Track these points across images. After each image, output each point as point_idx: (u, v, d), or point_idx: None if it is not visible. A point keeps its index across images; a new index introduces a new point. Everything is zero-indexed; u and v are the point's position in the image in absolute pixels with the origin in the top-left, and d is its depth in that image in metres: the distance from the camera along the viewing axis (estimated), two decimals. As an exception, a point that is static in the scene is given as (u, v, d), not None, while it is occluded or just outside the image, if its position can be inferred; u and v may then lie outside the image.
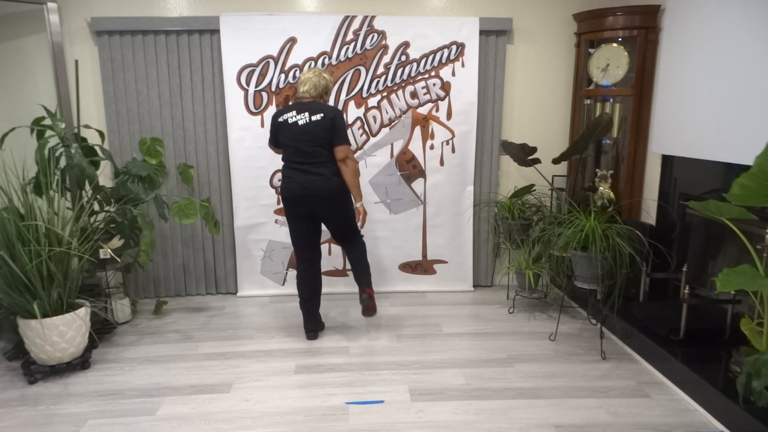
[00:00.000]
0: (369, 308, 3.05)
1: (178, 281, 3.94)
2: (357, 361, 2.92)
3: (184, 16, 3.59)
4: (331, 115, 2.94)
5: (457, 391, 2.60)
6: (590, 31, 3.59)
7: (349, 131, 3.71)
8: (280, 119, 3.00)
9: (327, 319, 3.49)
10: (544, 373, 2.77)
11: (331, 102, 3.69)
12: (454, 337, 3.23)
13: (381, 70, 3.71)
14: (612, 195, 3.60)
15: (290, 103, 3.31)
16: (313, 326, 3.21)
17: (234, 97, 3.67)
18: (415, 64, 3.72)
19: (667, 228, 3.29)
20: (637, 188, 3.52)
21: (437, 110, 3.79)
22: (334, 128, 2.94)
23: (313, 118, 2.93)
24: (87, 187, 3.21)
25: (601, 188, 3.63)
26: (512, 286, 4.14)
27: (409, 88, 3.75)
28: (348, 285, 3.97)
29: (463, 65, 3.73)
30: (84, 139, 3.26)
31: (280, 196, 3.84)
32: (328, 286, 3.89)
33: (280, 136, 3.00)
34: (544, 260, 3.61)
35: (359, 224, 3.16)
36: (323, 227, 3.18)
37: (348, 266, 3.98)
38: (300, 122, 2.95)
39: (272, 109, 3.70)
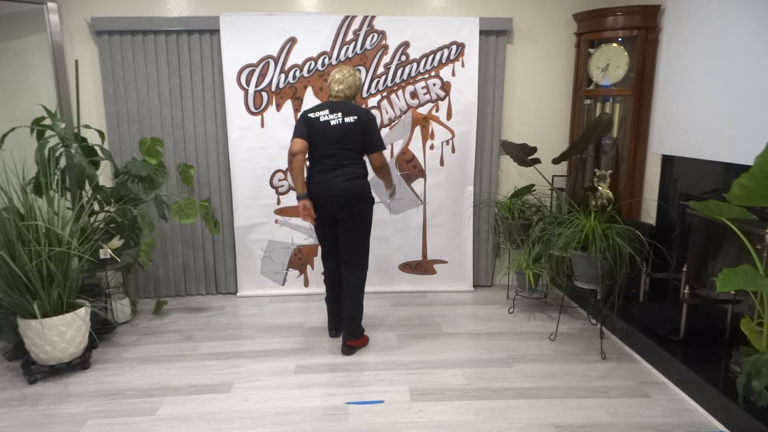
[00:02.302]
0: (347, 354, 3.01)
1: (178, 281, 3.94)
2: (357, 361, 2.92)
3: (184, 16, 3.59)
4: (364, 118, 2.85)
5: (457, 391, 2.60)
6: (590, 31, 3.59)
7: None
8: (311, 115, 2.86)
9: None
10: (544, 373, 2.77)
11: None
12: (454, 337, 3.23)
13: (381, 70, 3.71)
14: (611, 195, 3.60)
15: (320, 102, 3.11)
16: (336, 324, 3.19)
17: (234, 97, 3.67)
18: (415, 64, 3.72)
19: (667, 228, 3.29)
20: (637, 188, 3.52)
21: (437, 110, 3.79)
22: (366, 133, 2.84)
23: (347, 119, 2.83)
24: (87, 187, 3.21)
25: (600, 188, 3.63)
26: (512, 286, 4.14)
27: (409, 88, 3.75)
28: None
29: (463, 65, 3.73)
30: (84, 139, 3.26)
31: (279, 196, 3.85)
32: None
33: (311, 133, 2.86)
34: (544, 260, 3.61)
35: (390, 194, 3.17)
36: None
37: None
38: (332, 122, 2.83)
39: (272, 109, 3.70)
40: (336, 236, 2.99)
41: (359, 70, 2.97)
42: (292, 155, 2.81)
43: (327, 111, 2.86)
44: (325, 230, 3.00)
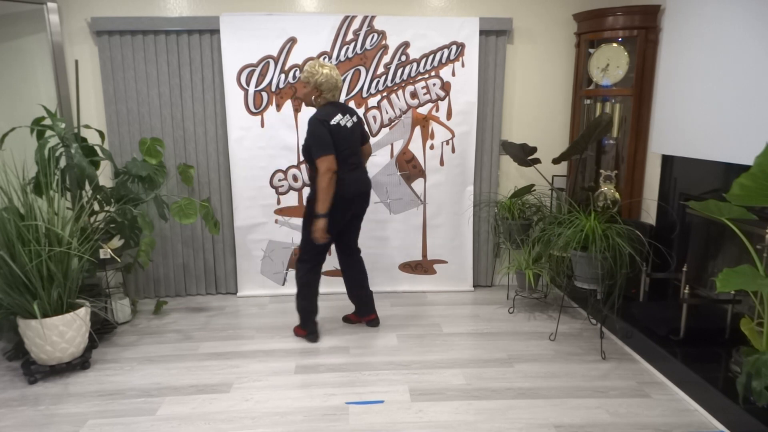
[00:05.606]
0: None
1: (178, 281, 3.94)
2: (357, 361, 2.92)
3: (184, 16, 3.59)
4: (359, 117, 3.12)
5: (457, 391, 2.60)
6: (590, 31, 3.59)
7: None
8: (332, 123, 2.87)
9: (326, 319, 3.49)
10: (544, 373, 2.78)
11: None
12: (454, 337, 3.23)
13: (381, 70, 3.71)
14: (617, 196, 3.60)
15: (326, 106, 3.03)
16: (368, 311, 3.35)
17: (234, 97, 3.67)
18: (415, 64, 3.72)
19: (667, 228, 3.29)
20: (637, 188, 3.52)
21: (437, 110, 3.79)
22: (362, 128, 3.14)
23: (354, 119, 3.05)
24: (87, 187, 3.21)
25: (605, 189, 3.63)
26: (512, 286, 4.14)
27: (409, 88, 3.75)
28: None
29: (463, 65, 3.73)
30: (84, 139, 3.26)
31: (279, 196, 3.84)
32: (327, 286, 3.88)
33: (336, 140, 2.87)
34: (544, 260, 3.61)
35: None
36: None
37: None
38: (348, 125, 2.99)
39: (272, 109, 3.70)
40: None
41: (318, 63, 2.89)
42: (332, 172, 2.82)
43: (339, 115, 2.95)
44: (352, 223, 3.17)
